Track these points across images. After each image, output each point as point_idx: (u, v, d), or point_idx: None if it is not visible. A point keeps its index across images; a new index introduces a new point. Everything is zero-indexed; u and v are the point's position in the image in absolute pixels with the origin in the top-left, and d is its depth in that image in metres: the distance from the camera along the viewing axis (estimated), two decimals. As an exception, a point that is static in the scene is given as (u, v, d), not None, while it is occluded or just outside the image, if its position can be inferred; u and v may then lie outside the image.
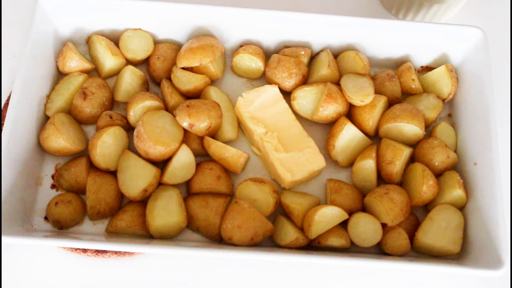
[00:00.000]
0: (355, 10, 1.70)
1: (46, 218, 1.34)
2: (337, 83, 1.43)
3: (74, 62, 1.44)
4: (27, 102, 1.33)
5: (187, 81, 1.42)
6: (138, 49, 1.47)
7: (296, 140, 1.39)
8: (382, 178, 1.39)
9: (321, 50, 1.51)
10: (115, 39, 1.50)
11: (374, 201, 1.29)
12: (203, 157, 1.40)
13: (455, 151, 1.43)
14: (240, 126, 1.46)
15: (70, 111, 1.41)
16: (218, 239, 1.32)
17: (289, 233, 1.28)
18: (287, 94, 1.46)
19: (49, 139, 1.34)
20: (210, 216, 1.30)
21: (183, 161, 1.32)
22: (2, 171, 1.24)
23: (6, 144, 1.26)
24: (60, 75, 1.47)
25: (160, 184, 1.33)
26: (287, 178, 1.34)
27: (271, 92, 1.43)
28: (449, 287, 1.40)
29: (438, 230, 1.29)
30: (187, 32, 1.49)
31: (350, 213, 1.31)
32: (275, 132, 1.39)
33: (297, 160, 1.36)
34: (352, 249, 1.33)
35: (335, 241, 1.28)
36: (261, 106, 1.42)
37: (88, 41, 1.51)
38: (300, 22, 1.45)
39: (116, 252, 1.35)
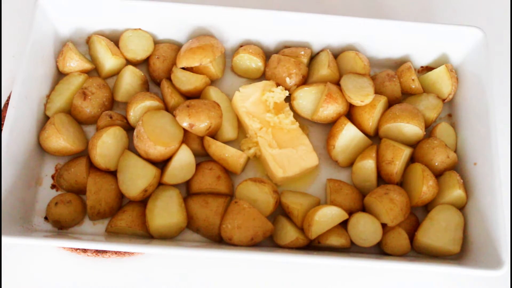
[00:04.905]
0: (355, 10, 1.70)
1: (46, 218, 1.34)
2: (337, 83, 1.43)
3: (74, 62, 1.44)
4: (27, 102, 1.33)
5: (187, 81, 1.42)
6: (138, 49, 1.47)
7: (290, 137, 1.39)
8: (382, 178, 1.39)
9: (321, 50, 1.51)
10: (115, 39, 1.50)
11: (374, 201, 1.29)
12: (203, 157, 1.40)
13: (455, 151, 1.43)
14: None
15: (70, 111, 1.41)
16: (218, 239, 1.32)
17: (289, 233, 1.28)
18: (287, 94, 1.47)
19: (49, 139, 1.34)
20: (210, 216, 1.30)
21: (183, 161, 1.32)
22: (2, 171, 1.24)
23: (6, 144, 1.26)
24: (60, 75, 1.47)
25: (160, 184, 1.33)
26: (279, 174, 1.35)
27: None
28: (449, 287, 1.40)
29: (438, 230, 1.29)
30: (187, 32, 1.49)
31: (350, 213, 1.31)
32: (270, 128, 1.39)
33: (290, 156, 1.37)
34: (352, 249, 1.33)
35: (335, 240, 1.28)
36: (258, 102, 1.42)
37: (88, 41, 1.51)
38: (300, 22, 1.45)
39: (116, 252, 1.35)
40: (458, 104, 1.48)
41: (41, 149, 1.38)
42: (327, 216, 1.27)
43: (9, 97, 1.47)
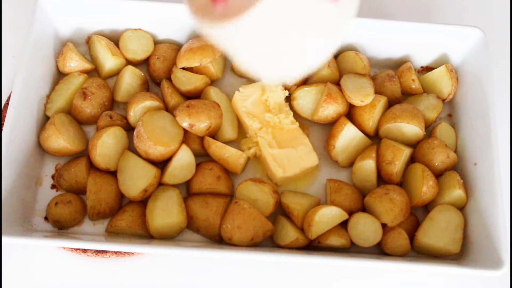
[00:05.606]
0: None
1: (46, 218, 1.34)
2: (337, 83, 1.43)
3: (74, 62, 1.44)
4: (27, 102, 1.33)
5: (187, 81, 1.42)
6: (138, 49, 1.47)
7: (290, 137, 1.39)
8: (382, 178, 1.39)
9: (321, 50, 1.51)
10: (115, 39, 1.50)
11: (374, 201, 1.29)
12: (203, 157, 1.40)
13: (455, 151, 1.44)
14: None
15: (70, 111, 1.41)
16: (218, 239, 1.32)
17: (289, 233, 1.28)
18: (287, 94, 1.46)
19: (49, 139, 1.34)
20: (210, 216, 1.30)
21: (183, 161, 1.32)
22: (2, 171, 1.24)
23: (6, 144, 1.26)
24: (60, 75, 1.47)
25: (160, 184, 1.33)
26: (279, 174, 1.35)
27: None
28: (449, 287, 1.40)
29: (438, 230, 1.29)
30: (187, 32, 1.49)
31: (350, 213, 1.31)
32: (270, 128, 1.39)
33: (289, 156, 1.37)
34: (352, 249, 1.33)
35: (335, 240, 1.28)
36: (257, 102, 1.42)
37: (88, 41, 1.51)
38: (300, 22, 1.45)
39: (116, 252, 1.35)
40: (458, 104, 1.48)
41: (41, 149, 1.38)
42: (327, 216, 1.27)
43: (9, 97, 1.47)
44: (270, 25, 0.81)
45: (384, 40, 1.49)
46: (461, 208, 1.35)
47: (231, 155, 1.35)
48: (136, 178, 1.29)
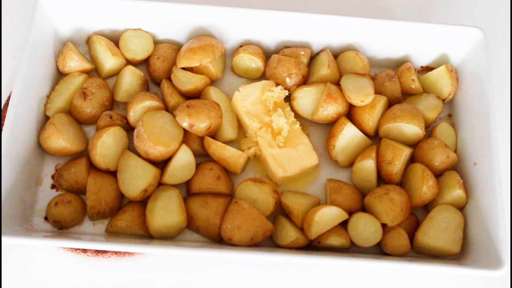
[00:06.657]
0: (355, 10, 1.70)
1: (46, 218, 1.34)
2: (337, 83, 1.43)
3: (74, 62, 1.44)
4: (27, 102, 1.33)
5: (187, 81, 1.42)
6: (138, 49, 1.47)
7: (290, 137, 1.39)
8: (382, 178, 1.39)
9: (321, 50, 1.51)
10: (115, 39, 1.50)
11: (374, 201, 1.29)
12: (203, 157, 1.40)
13: (455, 151, 1.44)
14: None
15: (70, 111, 1.42)
16: (218, 239, 1.32)
17: (289, 233, 1.29)
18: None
19: (49, 139, 1.34)
20: (210, 216, 1.30)
21: (183, 161, 1.32)
22: (2, 171, 1.24)
23: (6, 144, 1.26)
24: (60, 75, 1.47)
25: (160, 184, 1.33)
26: (279, 174, 1.35)
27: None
28: (449, 287, 1.40)
29: (438, 230, 1.29)
30: (187, 32, 1.49)
31: (350, 213, 1.31)
32: (270, 128, 1.39)
33: (289, 156, 1.37)
34: (352, 249, 1.33)
35: (335, 240, 1.28)
36: (257, 101, 1.42)
37: (88, 41, 1.51)
38: (300, 22, 1.45)
39: (116, 252, 1.35)
40: (458, 104, 1.49)
41: (41, 149, 1.38)
42: (327, 216, 1.27)
43: (9, 97, 1.47)
44: None
45: (384, 40, 1.49)
46: (461, 208, 1.35)
47: (231, 155, 1.35)
48: (136, 178, 1.29)
